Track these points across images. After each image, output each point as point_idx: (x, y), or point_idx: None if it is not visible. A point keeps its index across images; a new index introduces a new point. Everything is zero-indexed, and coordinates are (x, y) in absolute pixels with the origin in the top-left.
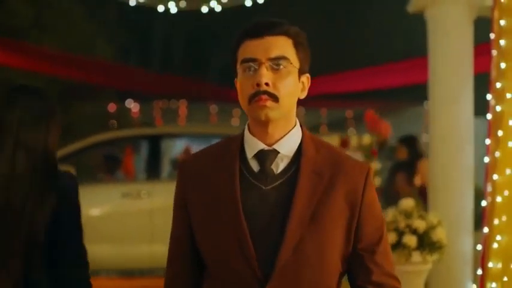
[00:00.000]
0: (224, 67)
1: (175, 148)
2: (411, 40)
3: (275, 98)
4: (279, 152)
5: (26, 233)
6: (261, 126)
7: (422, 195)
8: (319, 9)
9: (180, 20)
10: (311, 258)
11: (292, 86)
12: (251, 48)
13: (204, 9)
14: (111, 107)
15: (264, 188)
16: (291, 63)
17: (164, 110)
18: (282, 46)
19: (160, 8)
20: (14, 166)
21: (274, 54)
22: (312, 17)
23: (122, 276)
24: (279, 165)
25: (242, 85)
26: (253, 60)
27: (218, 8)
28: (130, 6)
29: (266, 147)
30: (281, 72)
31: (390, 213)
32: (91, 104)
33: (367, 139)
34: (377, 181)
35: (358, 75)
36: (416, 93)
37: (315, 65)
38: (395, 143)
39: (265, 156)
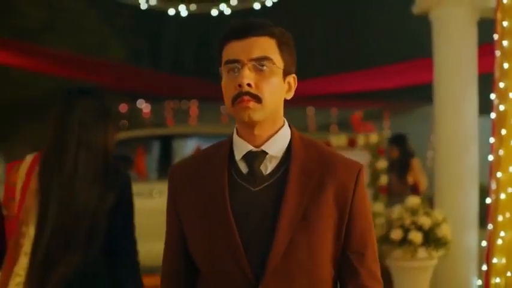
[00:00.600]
0: None
1: (187, 147)
2: (418, 41)
3: (258, 99)
4: (267, 153)
5: (89, 226)
6: (248, 128)
7: (414, 193)
8: (327, 11)
9: (191, 22)
10: (302, 259)
11: (276, 86)
12: (234, 49)
13: (214, 12)
14: (123, 108)
15: (253, 189)
16: (274, 64)
17: (175, 110)
18: (265, 46)
19: (171, 12)
20: (77, 165)
21: (256, 54)
22: (320, 18)
23: None
24: (268, 166)
25: (225, 87)
26: (236, 61)
27: (228, 11)
28: (141, 9)
29: (254, 149)
30: (264, 73)
31: (396, 211)
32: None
33: (374, 138)
34: (384, 179)
35: (367, 75)
36: (425, 93)
37: (324, 65)
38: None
39: (254, 158)
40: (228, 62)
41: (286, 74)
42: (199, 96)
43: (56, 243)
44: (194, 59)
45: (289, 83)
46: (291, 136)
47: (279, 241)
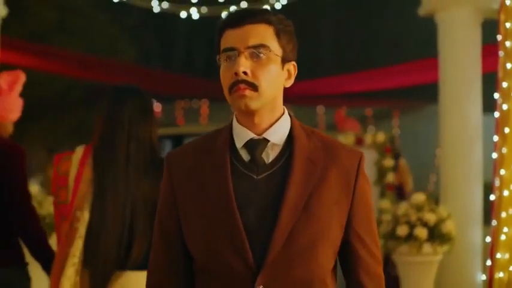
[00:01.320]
0: None
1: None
2: (426, 41)
3: (254, 87)
4: (268, 141)
5: (150, 213)
6: (247, 116)
7: (400, 193)
8: (336, 13)
9: (201, 23)
10: (304, 248)
11: (274, 74)
12: (230, 37)
13: (224, 14)
14: None
15: (255, 177)
16: (271, 51)
17: (186, 109)
18: (262, 34)
19: (183, 14)
20: (130, 156)
21: (252, 42)
22: (329, 20)
23: None
24: (270, 154)
25: (223, 75)
26: (232, 49)
27: None
28: (153, 12)
29: (256, 136)
30: (261, 61)
31: (402, 207)
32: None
33: (381, 137)
34: (391, 177)
35: (376, 75)
36: (434, 92)
37: (334, 65)
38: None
39: (255, 145)
40: (225, 50)
41: (285, 61)
42: (210, 96)
43: (115, 229)
44: (204, 59)
45: (288, 71)
46: (292, 124)
47: (280, 230)
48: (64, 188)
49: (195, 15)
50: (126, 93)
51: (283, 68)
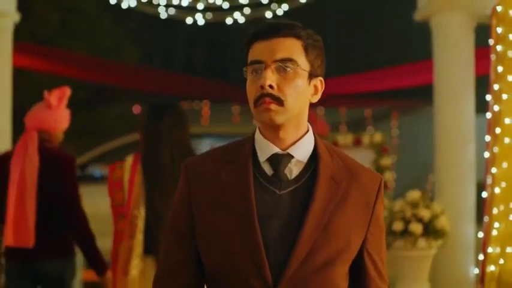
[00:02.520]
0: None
1: (201, 146)
2: (424, 44)
3: (280, 101)
4: (292, 157)
5: None
6: (272, 130)
7: None
8: (337, 17)
9: (204, 25)
10: (321, 267)
11: (300, 89)
12: (258, 50)
13: (229, 20)
14: (136, 109)
15: (278, 192)
16: (299, 66)
17: (188, 110)
18: (290, 48)
19: (189, 20)
20: (174, 160)
21: (280, 56)
22: (330, 24)
23: None
24: (293, 170)
25: (249, 88)
26: (259, 62)
27: (242, 20)
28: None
29: (280, 151)
30: (288, 75)
31: (398, 204)
32: (117, 105)
33: (378, 138)
34: (389, 175)
35: (375, 76)
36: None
37: (334, 67)
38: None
39: (279, 161)
40: (252, 62)
41: (312, 76)
42: (211, 97)
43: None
44: (205, 60)
45: (315, 86)
46: (315, 142)
47: (300, 247)
48: (119, 191)
49: (201, 21)
50: (163, 108)
51: (309, 83)
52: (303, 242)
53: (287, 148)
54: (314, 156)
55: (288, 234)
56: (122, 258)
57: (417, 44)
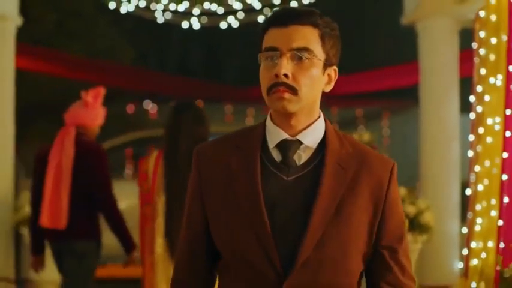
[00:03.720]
0: (239, 68)
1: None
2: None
3: (294, 90)
4: (302, 143)
5: None
6: (284, 117)
7: None
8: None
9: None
10: (333, 254)
11: (315, 78)
12: (274, 36)
13: (223, 24)
14: (130, 108)
15: (286, 178)
16: (315, 55)
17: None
18: (307, 36)
19: (185, 25)
20: (191, 151)
21: (296, 44)
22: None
23: None
24: (302, 156)
25: (262, 75)
26: (275, 49)
27: (236, 24)
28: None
29: (289, 137)
30: (303, 64)
31: None
32: (113, 105)
33: (367, 136)
34: None
35: (366, 77)
36: None
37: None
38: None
39: (288, 146)
40: (267, 49)
41: (326, 66)
42: (205, 97)
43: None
44: (200, 61)
45: (329, 75)
46: (326, 128)
47: (311, 234)
48: (145, 182)
49: (196, 25)
50: (184, 106)
51: (324, 72)
52: (313, 229)
53: (297, 134)
54: (323, 142)
55: (296, 221)
56: (147, 239)
57: (407, 46)
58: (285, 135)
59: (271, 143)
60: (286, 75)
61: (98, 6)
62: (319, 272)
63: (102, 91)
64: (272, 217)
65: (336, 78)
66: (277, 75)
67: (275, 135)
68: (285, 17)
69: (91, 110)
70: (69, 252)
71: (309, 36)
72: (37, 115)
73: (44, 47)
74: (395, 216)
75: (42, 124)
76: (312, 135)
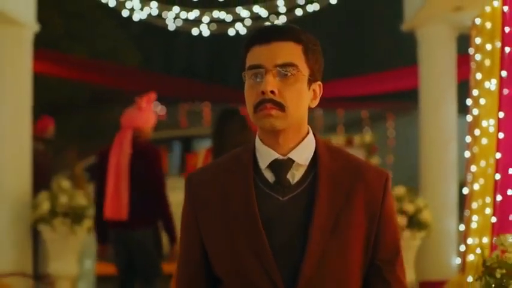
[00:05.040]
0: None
1: (204, 145)
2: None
3: (281, 107)
4: (293, 161)
5: None
6: (272, 136)
7: None
8: (336, 25)
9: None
10: (334, 270)
11: (301, 94)
12: (258, 54)
13: (232, 31)
14: None
15: (281, 199)
16: (300, 71)
17: (189, 112)
18: (290, 52)
19: (195, 31)
20: None
21: (281, 60)
22: (328, 33)
23: None
24: (295, 175)
25: (248, 93)
26: (259, 66)
27: (243, 31)
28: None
29: (280, 157)
30: (288, 80)
31: None
32: (118, 107)
33: (368, 138)
34: None
35: (373, 79)
36: None
37: (332, 71)
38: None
39: (281, 166)
40: (251, 67)
41: (311, 81)
42: (211, 99)
43: None
44: (205, 63)
45: (314, 91)
46: (316, 144)
47: (312, 252)
48: None
49: (206, 31)
50: (229, 114)
51: (309, 87)
52: (313, 248)
53: (287, 153)
54: (315, 158)
55: (295, 241)
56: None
57: (410, 50)
58: (276, 155)
59: (263, 163)
60: (273, 92)
61: (104, 10)
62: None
63: (153, 96)
64: (271, 238)
65: (320, 94)
66: (263, 92)
67: (266, 155)
68: (267, 34)
69: (145, 114)
70: (130, 239)
71: (292, 52)
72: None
73: (50, 49)
74: (391, 229)
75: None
76: (303, 153)
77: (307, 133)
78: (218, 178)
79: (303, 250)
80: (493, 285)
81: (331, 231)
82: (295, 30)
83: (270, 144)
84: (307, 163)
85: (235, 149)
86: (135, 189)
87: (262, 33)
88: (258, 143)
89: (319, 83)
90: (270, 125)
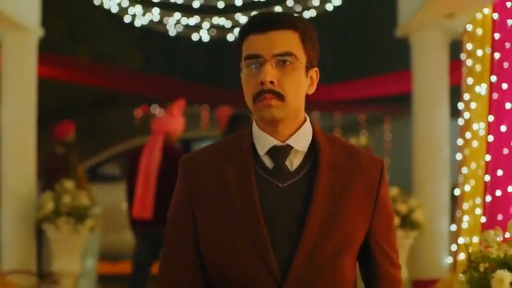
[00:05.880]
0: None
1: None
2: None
3: (281, 97)
4: (292, 148)
5: None
6: (271, 124)
7: None
8: (335, 31)
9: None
10: (328, 258)
11: (299, 82)
12: (255, 43)
13: (230, 37)
14: (138, 113)
15: (280, 185)
16: (298, 59)
17: (187, 114)
18: (288, 41)
19: (195, 37)
20: None
21: (279, 50)
22: (328, 37)
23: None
24: (293, 161)
25: (246, 83)
26: (257, 56)
27: None
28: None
29: (279, 143)
30: (287, 69)
31: None
32: (120, 110)
33: (363, 140)
34: None
35: (370, 83)
36: None
37: (330, 75)
38: None
39: (279, 153)
40: (249, 57)
41: (308, 68)
42: (210, 102)
43: None
44: (205, 65)
45: (311, 77)
46: (313, 131)
47: (307, 239)
48: None
49: (206, 37)
50: (238, 118)
51: (307, 75)
52: (309, 235)
53: (286, 139)
54: (313, 145)
55: (293, 227)
56: None
57: (406, 55)
58: (275, 142)
59: (262, 150)
60: (272, 82)
61: (105, 13)
62: (315, 276)
63: (183, 103)
64: (270, 225)
65: (317, 80)
66: (262, 83)
67: (264, 142)
68: (264, 23)
69: (175, 120)
70: (156, 236)
71: (290, 41)
72: (48, 119)
73: (52, 52)
74: (386, 213)
75: (51, 128)
76: (301, 139)
77: (305, 120)
78: (216, 163)
79: (299, 236)
80: (477, 279)
81: (329, 218)
82: (292, 17)
83: (268, 131)
84: (305, 150)
85: (230, 135)
86: (163, 190)
87: (258, 22)
88: (256, 129)
89: (315, 69)
90: (270, 115)
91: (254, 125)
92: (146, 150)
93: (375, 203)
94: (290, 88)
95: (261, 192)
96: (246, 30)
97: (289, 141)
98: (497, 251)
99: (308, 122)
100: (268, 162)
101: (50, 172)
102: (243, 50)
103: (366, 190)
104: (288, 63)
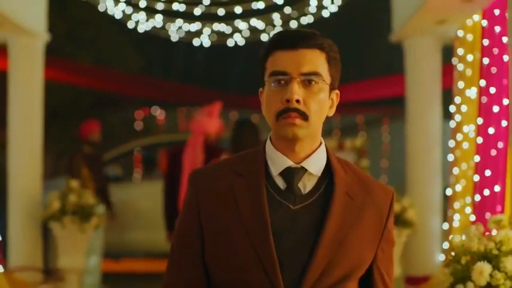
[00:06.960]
0: (242, 77)
1: None
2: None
3: (305, 116)
4: (306, 170)
5: None
6: (288, 143)
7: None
8: (333, 29)
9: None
10: (336, 283)
11: (323, 103)
12: (282, 60)
13: (231, 42)
14: (138, 114)
15: (292, 207)
16: (323, 80)
17: (187, 116)
18: (316, 61)
19: (196, 42)
20: None
21: (307, 69)
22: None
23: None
24: (306, 184)
25: (270, 99)
26: (284, 73)
27: (242, 42)
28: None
29: (294, 165)
30: (312, 89)
31: None
32: (120, 112)
33: (359, 142)
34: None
35: (368, 85)
36: None
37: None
38: None
39: (293, 174)
40: (275, 73)
41: (331, 89)
42: (209, 104)
43: None
44: (205, 68)
45: (332, 99)
46: (328, 155)
47: (316, 264)
48: None
49: (206, 42)
50: (243, 123)
51: (329, 96)
52: (318, 260)
53: (300, 161)
54: (327, 170)
55: (302, 251)
56: None
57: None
58: (290, 163)
59: (275, 170)
60: (298, 101)
61: (107, 17)
62: None
63: (219, 105)
64: (279, 247)
65: (337, 102)
66: (288, 101)
67: (278, 162)
68: (292, 40)
69: (213, 120)
70: None
71: (317, 60)
72: (49, 121)
73: (53, 55)
74: (389, 242)
75: (54, 129)
76: (316, 163)
77: (320, 143)
78: (227, 180)
79: (309, 260)
80: (460, 271)
81: (339, 245)
82: (320, 37)
83: (283, 150)
84: (319, 173)
85: (243, 151)
86: None
87: (287, 38)
88: (270, 148)
89: (336, 91)
90: (292, 134)
91: (268, 143)
92: (189, 149)
93: (382, 233)
94: (314, 108)
95: (272, 213)
96: (274, 46)
97: (304, 164)
98: (478, 245)
99: (323, 146)
100: (280, 183)
101: (77, 171)
102: (268, 65)
103: (376, 221)
104: (313, 83)
